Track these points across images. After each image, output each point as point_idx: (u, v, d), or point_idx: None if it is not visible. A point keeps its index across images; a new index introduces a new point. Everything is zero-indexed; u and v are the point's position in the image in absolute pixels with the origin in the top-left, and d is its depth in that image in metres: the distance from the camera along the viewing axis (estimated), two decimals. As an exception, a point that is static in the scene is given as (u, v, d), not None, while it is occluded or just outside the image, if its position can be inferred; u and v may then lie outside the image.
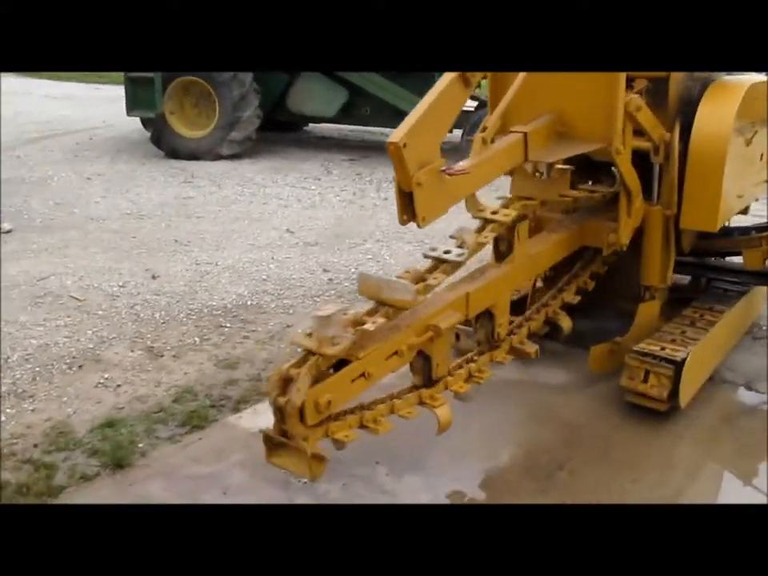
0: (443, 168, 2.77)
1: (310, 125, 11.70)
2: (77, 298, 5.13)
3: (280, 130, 11.01)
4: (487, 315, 3.35)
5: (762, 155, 4.38)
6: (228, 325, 4.74)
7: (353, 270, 5.71)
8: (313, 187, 8.27)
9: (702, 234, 4.27)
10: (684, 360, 3.66)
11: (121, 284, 5.38)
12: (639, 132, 3.70)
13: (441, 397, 3.04)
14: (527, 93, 3.56)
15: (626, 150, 3.61)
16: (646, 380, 3.75)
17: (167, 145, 9.59)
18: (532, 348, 3.50)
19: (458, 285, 3.25)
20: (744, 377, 4.15)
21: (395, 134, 2.61)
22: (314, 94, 9.73)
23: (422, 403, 3.00)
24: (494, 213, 3.28)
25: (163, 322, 4.78)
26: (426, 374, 3.04)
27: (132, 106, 9.31)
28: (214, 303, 5.07)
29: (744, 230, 4.54)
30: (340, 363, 2.66)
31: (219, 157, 9.31)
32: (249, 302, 5.12)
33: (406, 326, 2.86)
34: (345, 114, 10.02)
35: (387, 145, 2.62)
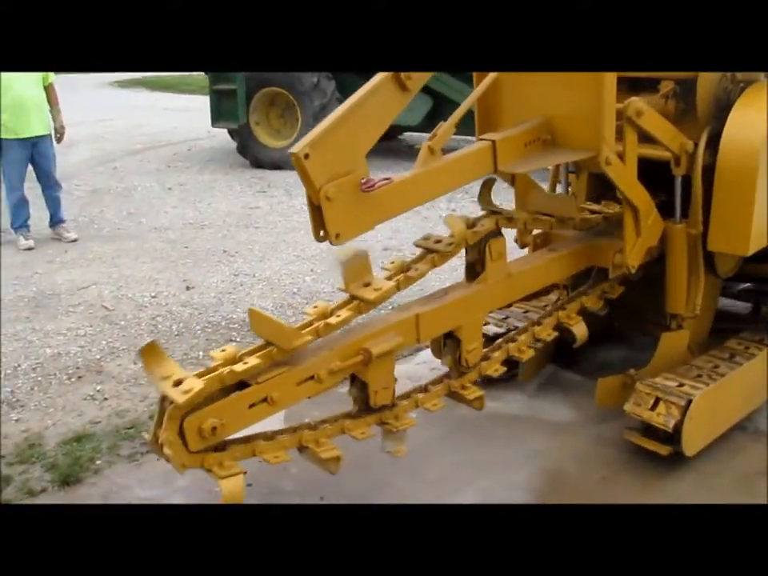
0: (363, 181, 2.50)
1: (405, 134, 11.53)
2: (107, 308, 5.18)
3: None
4: (454, 340, 3.05)
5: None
6: (238, 339, 4.62)
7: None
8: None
9: (752, 256, 3.74)
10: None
11: (153, 294, 5.40)
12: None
13: (368, 431, 2.79)
14: (513, 97, 3.24)
15: (629, 160, 3.18)
16: (653, 408, 3.30)
17: (252, 155, 9.70)
18: (473, 394, 3.10)
19: (410, 305, 2.97)
20: None
21: (298, 144, 2.38)
22: (397, 103, 9.54)
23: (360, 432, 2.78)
24: (469, 227, 2.98)
25: (177, 335, 4.73)
26: (363, 403, 2.79)
27: (216, 117, 9.48)
28: (235, 316, 4.98)
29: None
30: (241, 386, 2.46)
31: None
32: (268, 316, 4.99)
33: (329, 349, 2.62)
34: (430, 123, 9.71)
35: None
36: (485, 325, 3.99)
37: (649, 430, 3.31)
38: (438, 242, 2.94)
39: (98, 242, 6.76)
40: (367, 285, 2.64)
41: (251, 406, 2.46)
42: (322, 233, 2.51)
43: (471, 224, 2.96)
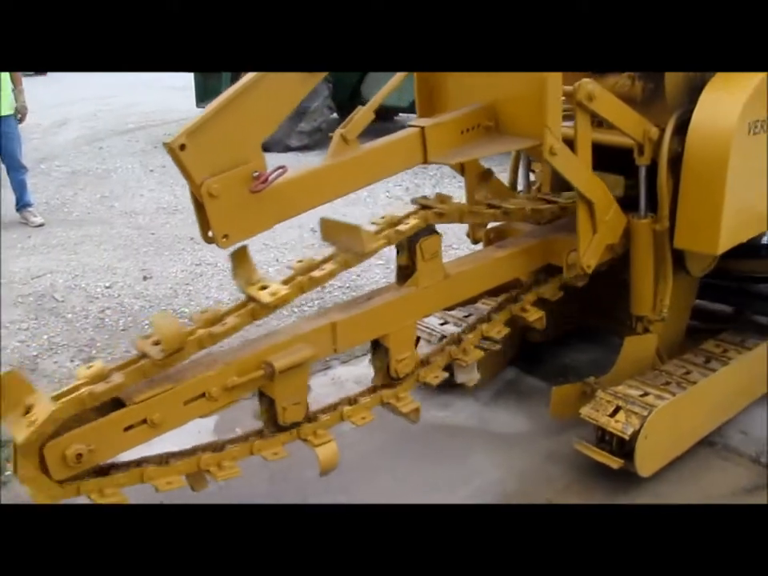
0: (256, 174, 2.20)
1: (401, 115, 11.16)
2: (56, 299, 4.93)
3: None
4: (382, 348, 2.76)
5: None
6: (185, 336, 4.35)
7: (356, 275, 5.17)
8: (367, 182, 7.72)
9: (728, 252, 3.40)
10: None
11: (108, 285, 5.14)
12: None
13: (326, 434, 2.58)
14: (456, 79, 2.92)
15: (582, 149, 2.86)
16: (612, 415, 3.00)
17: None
18: (409, 406, 2.81)
19: (328, 311, 2.68)
20: (757, 444, 3.22)
21: (176, 135, 2.09)
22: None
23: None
24: (393, 224, 2.68)
25: (123, 330, 4.47)
26: (272, 420, 2.52)
27: (202, 97, 9.21)
28: (187, 310, 4.71)
29: (774, 249, 3.62)
30: (116, 405, 2.20)
31: (288, 149, 9.00)
32: (221, 310, 4.72)
33: (224, 363, 2.34)
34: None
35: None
36: (442, 324, 3.71)
37: (602, 441, 3.02)
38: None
39: (64, 227, 6.52)
40: (265, 287, 2.35)
41: (127, 428, 2.19)
42: (210, 233, 2.22)
43: (396, 221, 2.65)
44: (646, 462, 2.92)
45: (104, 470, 2.24)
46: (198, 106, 9.39)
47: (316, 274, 2.45)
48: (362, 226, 2.49)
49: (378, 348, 2.80)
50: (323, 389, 3.66)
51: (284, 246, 5.86)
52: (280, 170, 2.22)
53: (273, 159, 2.24)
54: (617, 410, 3.02)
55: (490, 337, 3.15)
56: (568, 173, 2.81)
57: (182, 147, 2.06)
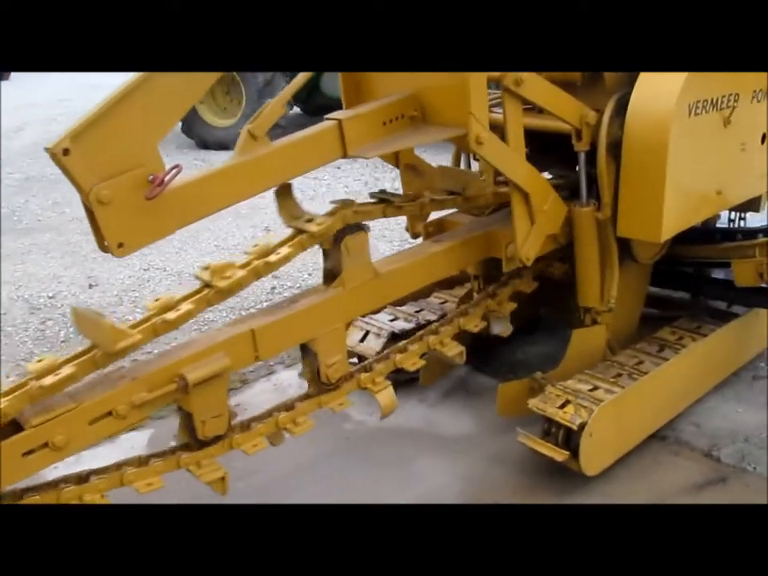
0: (151, 178, 2.06)
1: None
2: (-2, 312, 4.76)
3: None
4: (310, 353, 2.63)
5: (765, 135, 3.35)
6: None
7: (308, 275, 5.04)
8: (326, 177, 7.57)
9: (678, 237, 3.29)
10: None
11: (51, 294, 4.97)
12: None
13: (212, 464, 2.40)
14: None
15: (513, 137, 2.74)
16: (562, 407, 2.89)
17: (197, 135, 9.19)
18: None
19: (247, 318, 2.55)
20: (710, 437, 3.12)
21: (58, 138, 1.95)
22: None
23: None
24: (309, 221, 2.55)
25: (63, 341, 4.32)
26: (191, 434, 2.38)
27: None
28: (131, 317, 4.54)
29: (729, 234, 3.51)
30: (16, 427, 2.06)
31: (247, 147, 8.81)
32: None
33: (131, 378, 2.20)
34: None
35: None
36: (392, 320, 3.59)
37: (548, 435, 2.91)
38: (310, 220, 2.53)
39: (12, 235, 6.31)
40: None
41: (27, 453, 2.05)
42: (105, 242, 2.07)
43: (269, 251, 2.50)
44: (592, 461, 2.82)
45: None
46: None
47: (272, 258, 2.40)
48: (109, 321, 2.12)
49: (306, 353, 2.67)
50: (265, 395, 3.53)
51: (236, 248, 5.71)
52: (174, 170, 2.08)
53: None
54: (566, 403, 2.92)
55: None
56: (498, 163, 2.69)
57: (66, 152, 1.92)
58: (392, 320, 3.66)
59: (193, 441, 2.40)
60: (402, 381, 3.48)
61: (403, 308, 3.78)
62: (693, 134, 2.91)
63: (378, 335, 3.49)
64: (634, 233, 3.04)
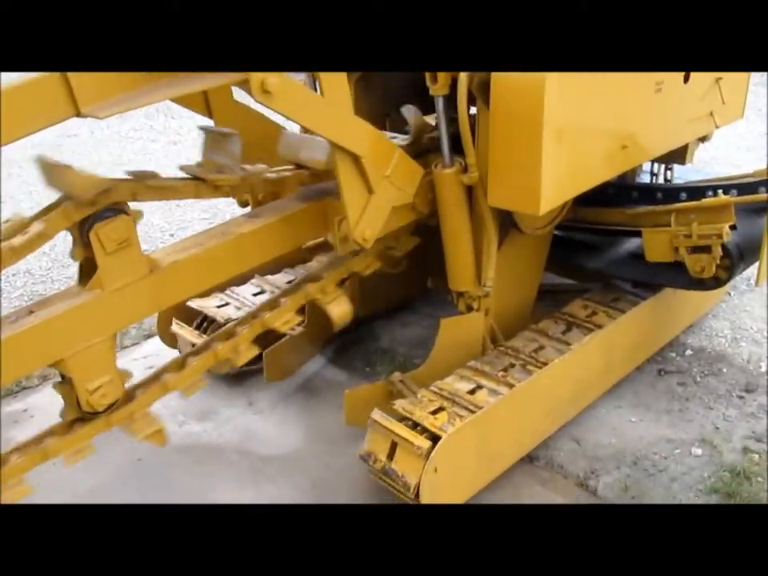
0: None
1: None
2: None
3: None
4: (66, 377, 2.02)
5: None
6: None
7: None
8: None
9: (586, 198, 2.64)
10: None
11: None
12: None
13: None
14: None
15: (331, 83, 2.05)
16: (435, 414, 2.30)
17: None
18: (149, 427, 2.12)
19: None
20: (591, 459, 2.48)
21: None
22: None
23: None
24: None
25: None
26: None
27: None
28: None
29: (647, 192, 2.87)
30: None
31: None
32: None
33: None
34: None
35: None
36: (221, 306, 2.96)
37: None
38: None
39: None
40: None
41: None
42: None
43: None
44: (439, 501, 2.22)
45: None
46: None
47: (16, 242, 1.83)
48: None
49: (63, 376, 2.04)
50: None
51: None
52: None
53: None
54: (438, 410, 2.32)
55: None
56: (302, 118, 1.99)
57: None
58: (257, 294, 3.04)
59: None
60: (234, 374, 2.90)
61: (275, 277, 3.14)
62: (575, 93, 2.25)
63: (239, 308, 2.91)
64: (507, 203, 2.38)
